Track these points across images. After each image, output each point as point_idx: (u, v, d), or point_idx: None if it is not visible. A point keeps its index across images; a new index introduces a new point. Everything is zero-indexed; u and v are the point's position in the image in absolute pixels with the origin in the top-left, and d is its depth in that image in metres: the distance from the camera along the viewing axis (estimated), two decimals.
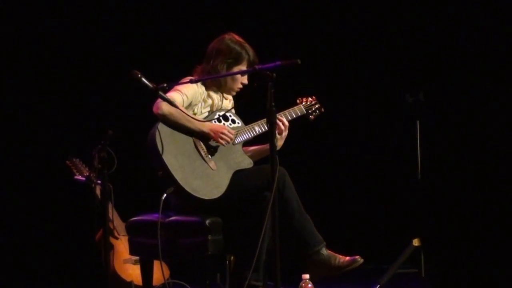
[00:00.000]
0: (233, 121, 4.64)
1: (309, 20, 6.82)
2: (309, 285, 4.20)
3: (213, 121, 4.57)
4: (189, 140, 4.48)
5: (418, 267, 5.56)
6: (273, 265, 3.78)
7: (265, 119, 3.97)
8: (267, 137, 3.94)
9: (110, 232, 5.29)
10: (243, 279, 4.24)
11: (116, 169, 4.21)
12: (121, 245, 5.42)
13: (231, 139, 4.50)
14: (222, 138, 4.48)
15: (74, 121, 6.69)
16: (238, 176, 4.47)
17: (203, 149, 4.48)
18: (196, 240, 4.35)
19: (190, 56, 4.81)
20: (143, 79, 4.16)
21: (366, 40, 6.75)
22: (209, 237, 4.33)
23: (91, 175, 4.38)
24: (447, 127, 6.51)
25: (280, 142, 4.58)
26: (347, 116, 6.74)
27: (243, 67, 4.59)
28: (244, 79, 4.67)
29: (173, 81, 4.42)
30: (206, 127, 4.49)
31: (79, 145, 6.06)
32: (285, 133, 4.61)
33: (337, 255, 4.44)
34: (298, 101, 4.82)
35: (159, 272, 4.47)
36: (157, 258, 4.35)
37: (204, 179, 4.40)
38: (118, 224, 5.44)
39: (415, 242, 5.52)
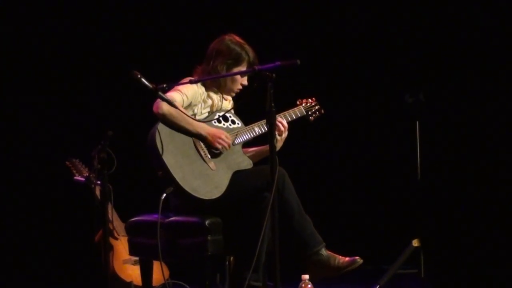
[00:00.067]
0: (233, 122, 4.63)
1: (309, 20, 6.81)
2: (309, 286, 4.20)
3: (213, 121, 4.57)
4: (189, 140, 4.48)
5: (418, 267, 5.56)
6: (272, 265, 3.78)
7: (265, 120, 3.96)
8: (266, 138, 3.94)
9: (109, 233, 5.29)
10: (243, 279, 4.24)
11: (116, 169, 4.21)
12: (121, 246, 5.41)
13: (228, 145, 4.50)
14: (219, 143, 4.48)
15: (74, 121, 6.69)
16: (238, 176, 4.47)
17: (202, 150, 4.48)
18: (195, 240, 4.35)
19: (190, 56, 4.81)
20: (143, 80, 4.16)
21: (366, 40, 6.75)
22: (209, 238, 4.33)
23: (91, 175, 4.37)
24: (447, 127, 6.50)
25: (279, 143, 4.58)
26: (347, 116, 6.73)
27: (243, 68, 4.59)
28: (244, 80, 4.67)
29: (173, 81, 4.42)
30: (205, 130, 4.49)
31: (79, 145, 6.06)
32: (284, 135, 4.61)
33: (336, 255, 4.44)
34: (298, 102, 4.82)
35: (159, 272, 4.47)
36: (157, 259, 4.35)
37: (203, 179, 4.40)
38: (117, 224, 5.44)
39: (415, 243, 5.52)
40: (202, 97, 4.60)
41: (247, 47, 4.63)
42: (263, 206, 4.17)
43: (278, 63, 3.91)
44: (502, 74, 6.37)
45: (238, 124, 4.64)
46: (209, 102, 4.63)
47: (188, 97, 4.50)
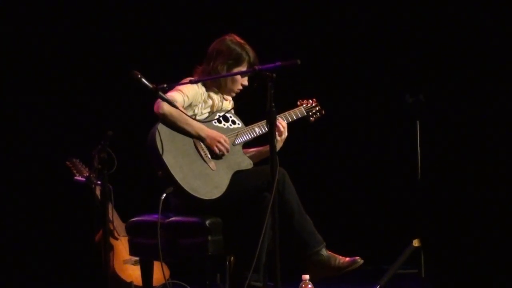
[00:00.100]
0: (233, 122, 4.63)
1: (309, 20, 6.81)
2: (309, 286, 4.20)
3: (213, 121, 4.56)
4: (189, 140, 4.48)
5: (418, 267, 5.56)
6: (273, 265, 3.78)
7: (265, 121, 3.96)
8: (266, 139, 3.94)
9: (110, 233, 5.29)
10: (243, 279, 4.24)
11: (116, 169, 4.21)
12: (121, 246, 5.41)
13: (227, 150, 4.49)
14: (217, 147, 4.48)
15: (74, 121, 6.69)
16: (238, 176, 4.47)
17: (203, 150, 4.48)
18: (196, 240, 4.35)
19: (190, 57, 4.81)
20: (143, 80, 4.16)
21: (366, 40, 6.75)
22: (209, 238, 4.33)
23: (91, 175, 4.37)
24: (447, 127, 6.51)
25: (279, 144, 4.58)
26: (347, 117, 6.73)
27: (244, 69, 4.59)
28: (244, 81, 4.67)
29: (174, 82, 4.42)
30: (204, 132, 4.48)
31: (79, 145, 6.06)
32: (284, 135, 4.61)
33: (337, 255, 4.44)
34: (298, 103, 4.82)
35: (159, 272, 4.47)
36: (157, 259, 4.35)
37: (204, 179, 4.40)
38: (118, 224, 5.44)
39: (415, 243, 5.52)
40: (203, 97, 4.60)
41: (247, 47, 4.63)
42: (263, 206, 4.16)
43: (278, 63, 3.91)
44: (502, 74, 6.37)
45: (238, 124, 4.64)
46: (210, 102, 4.63)
47: (189, 97, 4.50)
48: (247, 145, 4.66)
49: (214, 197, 4.37)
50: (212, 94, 4.65)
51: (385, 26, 6.69)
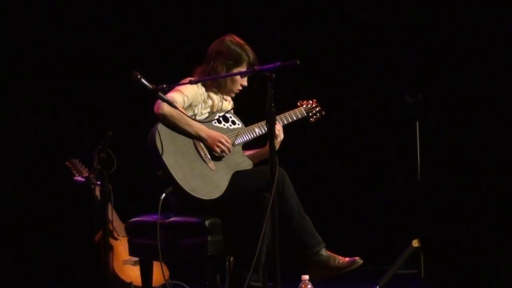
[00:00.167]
0: (233, 122, 4.63)
1: (309, 20, 6.81)
2: (309, 286, 4.20)
3: (213, 122, 4.57)
4: (189, 140, 4.48)
5: (417, 268, 5.56)
6: (272, 266, 3.78)
7: (265, 121, 3.96)
8: (266, 139, 3.94)
9: (109, 233, 5.29)
10: (243, 279, 4.24)
11: (116, 169, 4.21)
12: (121, 246, 5.41)
13: (228, 149, 4.49)
14: (218, 147, 4.47)
15: (74, 121, 6.69)
16: (238, 177, 4.47)
17: (202, 150, 4.48)
18: (195, 241, 4.35)
19: (190, 57, 4.81)
20: (143, 80, 4.16)
21: (366, 40, 6.75)
22: (209, 238, 4.33)
23: (91, 176, 4.37)
24: (447, 127, 6.51)
25: (276, 146, 4.56)
26: (347, 117, 6.73)
27: (243, 69, 4.59)
28: (244, 81, 4.67)
29: (173, 82, 4.42)
30: (205, 132, 4.48)
31: (79, 145, 6.06)
32: (280, 138, 4.60)
33: (336, 256, 4.44)
34: (298, 103, 4.82)
35: (159, 273, 4.47)
36: (157, 259, 4.35)
37: (203, 179, 4.40)
38: (117, 225, 5.44)
39: (415, 243, 5.52)
40: (203, 98, 4.60)
41: (247, 47, 4.63)
42: (263, 207, 4.16)
43: (278, 63, 3.91)
44: (502, 74, 6.37)
45: (238, 124, 4.64)
46: (209, 102, 4.63)
47: (189, 97, 4.50)
48: (246, 145, 4.66)
49: (213, 197, 4.37)
50: (212, 95, 4.65)
51: (385, 26, 6.69)
